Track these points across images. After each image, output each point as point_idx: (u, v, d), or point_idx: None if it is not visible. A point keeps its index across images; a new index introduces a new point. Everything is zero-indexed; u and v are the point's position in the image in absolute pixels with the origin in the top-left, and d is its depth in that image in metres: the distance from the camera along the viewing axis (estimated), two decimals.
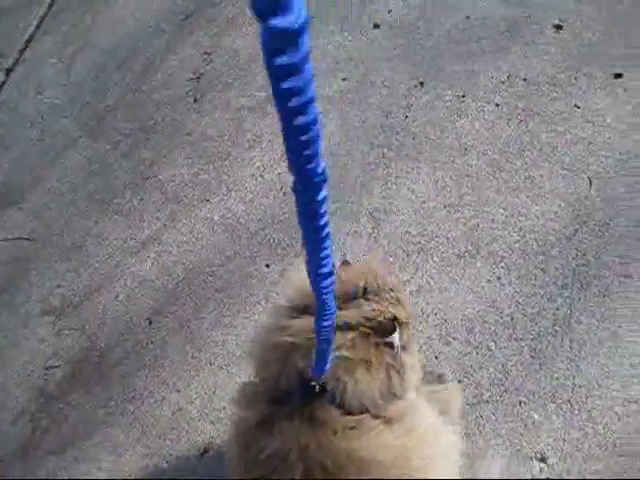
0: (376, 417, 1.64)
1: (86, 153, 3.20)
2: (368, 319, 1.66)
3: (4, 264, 3.01)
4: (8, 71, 3.70)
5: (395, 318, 1.77)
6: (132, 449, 2.37)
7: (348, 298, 1.70)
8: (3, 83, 3.64)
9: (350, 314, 1.65)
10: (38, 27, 3.81)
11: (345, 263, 1.83)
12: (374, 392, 1.66)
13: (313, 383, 1.61)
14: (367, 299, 1.70)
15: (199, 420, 2.35)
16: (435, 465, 1.66)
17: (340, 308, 1.60)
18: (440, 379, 1.98)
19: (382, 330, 1.70)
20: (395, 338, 1.76)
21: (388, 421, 1.66)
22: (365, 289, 1.71)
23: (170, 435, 2.35)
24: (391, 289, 1.74)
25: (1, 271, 2.99)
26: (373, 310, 1.67)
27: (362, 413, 1.63)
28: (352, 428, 1.59)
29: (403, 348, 1.71)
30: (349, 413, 1.62)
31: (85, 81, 3.46)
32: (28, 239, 3.03)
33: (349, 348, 1.63)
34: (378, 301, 1.72)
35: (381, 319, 1.69)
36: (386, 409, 1.66)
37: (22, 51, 3.75)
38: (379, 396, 1.66)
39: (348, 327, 1.64)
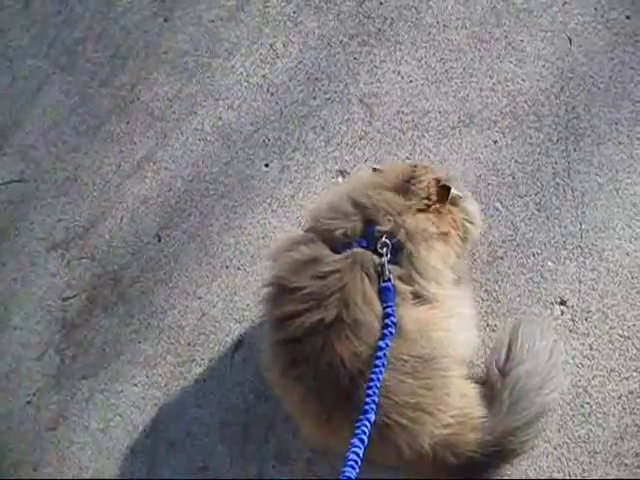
0: (417, 296, 1.72)
1: (63, 88, 3.15)
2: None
3: (0, 210, 2.99)
4: None
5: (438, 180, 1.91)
6: (163, 360, 2.43)
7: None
8: None
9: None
10: None
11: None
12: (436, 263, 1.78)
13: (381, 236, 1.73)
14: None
15: (224, 321, 2.41)
16: (454, 337, 1.75)
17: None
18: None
19: (440, 194, 1.87)
20: (454, 191, 1.92)
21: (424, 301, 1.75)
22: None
23: (199, 340, 2.41)
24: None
25: None
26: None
27: (411, 284, 1.71)
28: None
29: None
30: (400, 278, 1.70)
31: (48, 18, 3.37)
32: (19, 181, 3.00)
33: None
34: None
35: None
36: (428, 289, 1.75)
37: None
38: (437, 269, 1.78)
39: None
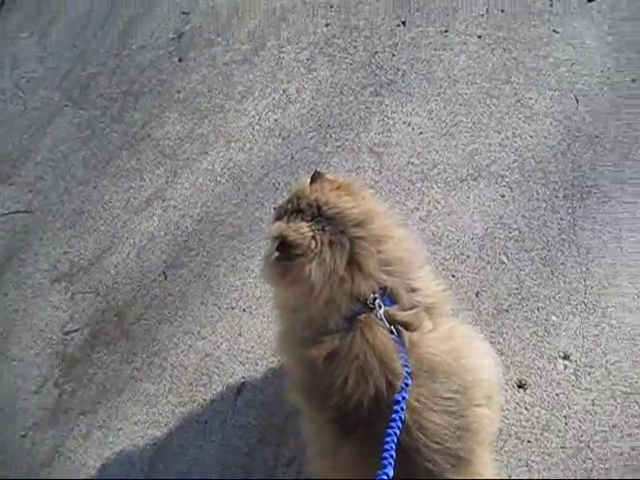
0: (428, 310, 1.74)
1: (74, 121, 3.20)
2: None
3: (4, 240, 2.99)
4: None
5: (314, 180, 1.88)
6: (165, 399, 2.42)
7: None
8: None
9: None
10: (3, 3, 3.74)
11: (316, 175, 1.91)
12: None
13: (368, 297, 1.70)
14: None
15: (228, 363, 2.41)
16: (477, 361, 1.76)
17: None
18: None
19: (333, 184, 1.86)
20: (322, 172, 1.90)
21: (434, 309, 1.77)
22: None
23: (201, 381, 2.40)
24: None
25: (2, 247, 2.98)
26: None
27: (413, 307, 1.72)
28: (414, 329, 1.68)
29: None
30: (405, 308, 1.71)
31: (63, 51, 3.43)
32: (25, 211, 3.02)
33: None
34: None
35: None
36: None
37: None
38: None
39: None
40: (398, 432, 1.44)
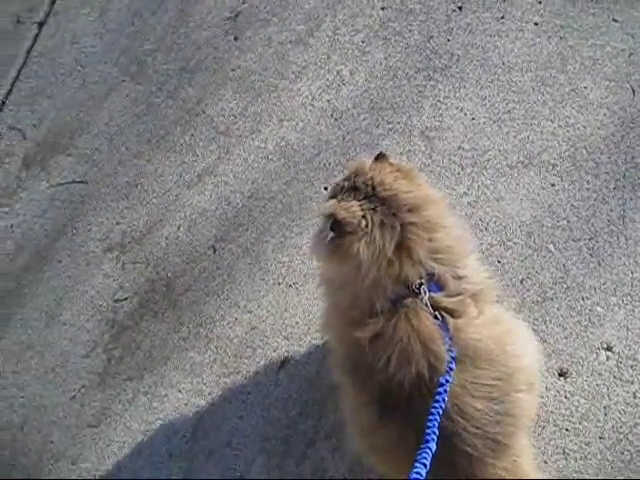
0: (475, 297, 1.75)
1: (131, 96, 3.27)
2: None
3: (60, 208, 3.08)
4: (40, 25, 3.72)
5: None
6: (209, 369, 2.49)
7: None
8: (37, 36, 3.67)
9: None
10: None
11: (380, 156, 1.92)
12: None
13: (414, 283, 1.72)
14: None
15: (273, 337, 2.46)
16: (520, 348, 1.78)
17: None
18: None
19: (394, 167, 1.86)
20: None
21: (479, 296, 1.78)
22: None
23: (245, 353, 2.46)
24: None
25: (58, 215, 3.08)
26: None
27: (459, 294, 1.74)
28: (459, 316, 1.71)
29: None
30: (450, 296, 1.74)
31: (121, 28, 3.50)
32: (82, 182, 3.11)
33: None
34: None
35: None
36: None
37: (52, 4, 3.78)
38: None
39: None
40: (441, 411, 1.47)
